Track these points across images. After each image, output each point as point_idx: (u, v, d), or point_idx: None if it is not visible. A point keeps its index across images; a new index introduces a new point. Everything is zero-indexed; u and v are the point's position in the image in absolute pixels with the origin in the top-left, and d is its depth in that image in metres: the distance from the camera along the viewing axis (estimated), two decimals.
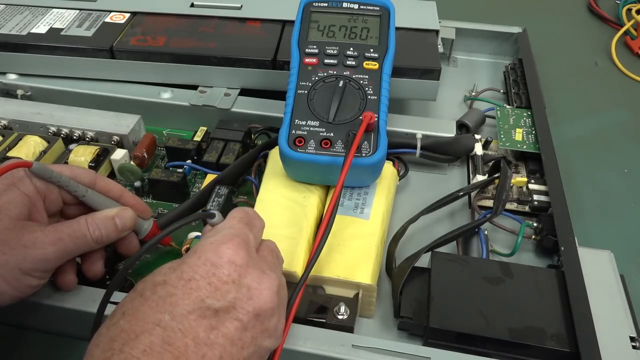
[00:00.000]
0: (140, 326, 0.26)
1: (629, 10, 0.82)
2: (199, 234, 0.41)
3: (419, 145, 0.50)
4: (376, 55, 0.44)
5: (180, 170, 0.48)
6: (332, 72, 0.44)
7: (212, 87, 0.56)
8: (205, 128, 0.51)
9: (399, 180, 0.49)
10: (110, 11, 0.60)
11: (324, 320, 0.36)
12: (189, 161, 0.49)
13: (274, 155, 0.46)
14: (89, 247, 0.35)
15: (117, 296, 0.33)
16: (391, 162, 0.47)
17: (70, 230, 0.34)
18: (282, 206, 0.42)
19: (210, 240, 0.29)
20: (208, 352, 0.26)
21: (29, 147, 0.47)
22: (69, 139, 0.50)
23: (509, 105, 0.59)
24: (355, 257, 0.39)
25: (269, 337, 0.29)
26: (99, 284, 0.38)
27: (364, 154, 0.40)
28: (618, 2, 0.84)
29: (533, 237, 0.45)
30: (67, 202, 0.36)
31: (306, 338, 0.35)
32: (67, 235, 0.33)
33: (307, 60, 0.44)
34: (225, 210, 0.43)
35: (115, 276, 0.32)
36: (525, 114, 0.55)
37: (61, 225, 0.34)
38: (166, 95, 0.55)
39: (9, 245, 0.31)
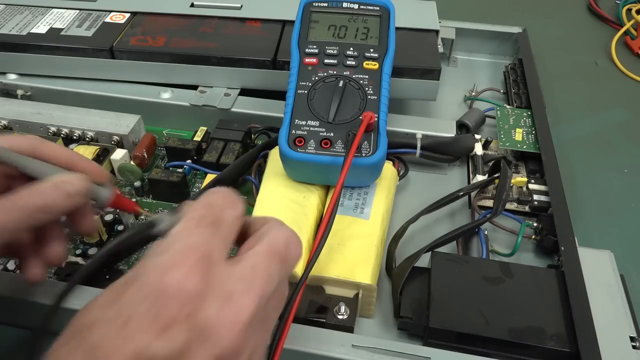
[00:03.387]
0: None
1: (629, 10, 0.81)
2: None
3: (419, 145, 0.50)
4: (376, 55, 0.44)
5: (180, 170, 0.48)
6: (332, 72, 0.44)
7: (212, 87, 0.56)
8: (205, 128, 0.51)
9: (399, 180, 0.49)
10: (110, 11, 0.60)
11: (324, 320, 0.36)
12: (189, 161, 0.49)
13: (274, 155, 0.46)
14: (36, 218, 0.30)
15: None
16: (391, 162, 0.47)
17: (10, 203, 0.29)
18: (282, 206, 0.42)
19: (156, 261, 0.22)
20: None
21: None
22: (69, 139, 0.50)
23: (509, 105, 0.59)
24: (355, 257, 0.39)
25: None
26: (99, 282, 0.38)
27: (364, 154, 0.40)
28: (618, 2, 0.84)
29: (533, 237, 0.45)
30: (13, 176, 0.32)
31: (306, 338, 0.35)
32: (8, 209, 0.29)
33: (307, 60, 0.44)
34: None
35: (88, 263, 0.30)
36: (525, 114, 0.55)
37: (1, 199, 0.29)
38: (166, 95, 0.55)
39: None
